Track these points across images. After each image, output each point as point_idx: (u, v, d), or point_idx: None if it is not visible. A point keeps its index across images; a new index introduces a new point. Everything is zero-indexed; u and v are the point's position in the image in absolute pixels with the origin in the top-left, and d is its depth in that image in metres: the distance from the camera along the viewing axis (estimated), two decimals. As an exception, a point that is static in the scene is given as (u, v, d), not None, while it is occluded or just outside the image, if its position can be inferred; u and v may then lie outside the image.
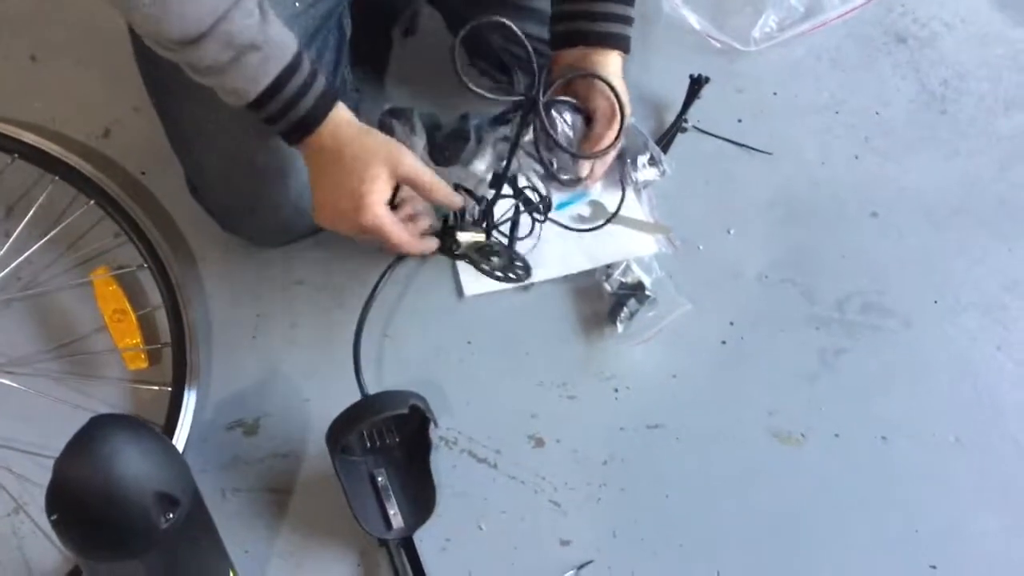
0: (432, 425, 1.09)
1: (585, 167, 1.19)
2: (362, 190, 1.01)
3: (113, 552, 0.81)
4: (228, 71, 0.96)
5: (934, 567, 1.11)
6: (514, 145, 1.14)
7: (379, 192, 1.02)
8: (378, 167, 1.02)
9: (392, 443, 1.13)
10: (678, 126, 1.38)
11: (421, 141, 1.21)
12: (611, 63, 1.16)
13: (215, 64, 0.95)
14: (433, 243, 1.10)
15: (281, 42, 0.98)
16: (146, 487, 0.79)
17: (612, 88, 1.14)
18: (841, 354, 1.23)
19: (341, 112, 1.03)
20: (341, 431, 1.06)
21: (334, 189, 1.03)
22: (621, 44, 1.16)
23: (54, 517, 0.79)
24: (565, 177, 1.19)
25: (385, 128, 1.22)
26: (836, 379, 1.21)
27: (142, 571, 0.83)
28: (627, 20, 1.16)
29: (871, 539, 1.13)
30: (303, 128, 1.02)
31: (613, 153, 1.19)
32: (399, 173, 1.03)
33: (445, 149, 1.22)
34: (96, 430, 0.79)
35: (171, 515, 0.80)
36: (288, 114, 1.00)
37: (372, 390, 1.15)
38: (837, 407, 1.20)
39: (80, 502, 0.78)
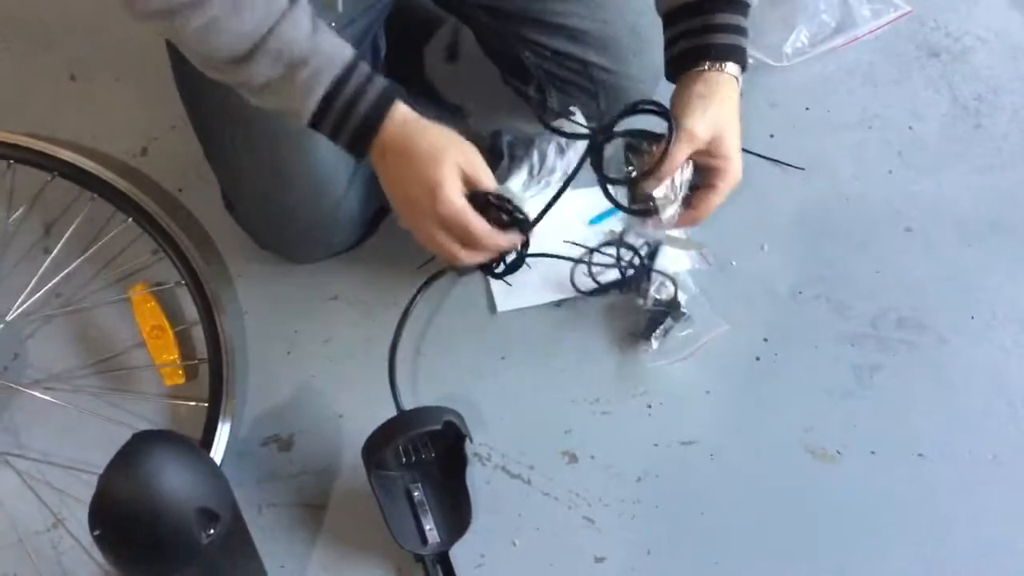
0: (467, 441, 1.09)
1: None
2: (438, 179, 0.98)
3: (155, 567, 0.81)
4: (283, 88, 0.95)
5: (972, 585, 1.10)
6: (569, 179, 1.12)
7: (455, 182, 0.99)
8: (451, 160, 0.99)
9: (428, 458, 1.13)
10: (710, 142, 1.37)
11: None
12: (724, 86, 1.04)
13: (269, 82, 0.95)
14: (516, 236, 1.06)
15: (331, 53, 0.96)
16: (188, 503, 0.79)
17: (669, 124, 1.03)
18: (876, 370, 1.22)
19: (402, 110, 1.00)
20: (377, 446, 1.07)
21: (409, 186, 1.00)
22: (738, 56, 1.05)
23: (97, 532, 0.80)
24: (635, 207, 1.11)
25: None
26: (872, 396, 1.21)
27: (183, 586, 0.84)
28: (741, 31, 1.06)
29: (907, 556, 1.12)
30: (365, 133, 0.99)
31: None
32: (468, 170, 1.00)
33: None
34: (139, 446, 0.80)
35: (212, 530, 0.81)
36: (347, 122, 0.98)
37: (407, 406, 1.16)
38: (873, 424, 1.19)
39: (123, 518, 0.79)
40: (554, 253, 1.22)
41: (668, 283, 1.23)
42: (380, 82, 0.99)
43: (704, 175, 1.07)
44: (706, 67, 1.03)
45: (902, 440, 1.18)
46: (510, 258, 1.11)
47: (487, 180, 1.02)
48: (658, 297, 1.22)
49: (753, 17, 1.48)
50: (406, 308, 1.19)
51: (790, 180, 1.37)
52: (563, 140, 1.25)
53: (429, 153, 0.99)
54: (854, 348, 1.24)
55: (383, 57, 1.28)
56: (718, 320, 1.22)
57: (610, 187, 1.10)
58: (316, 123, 0.98)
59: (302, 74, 0.94)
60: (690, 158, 1.05)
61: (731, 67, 1.04)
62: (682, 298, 1.22)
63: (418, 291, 1.20)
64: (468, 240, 1.02)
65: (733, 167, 1.05)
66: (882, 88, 1.46)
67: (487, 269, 1.12)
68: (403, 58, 1.38)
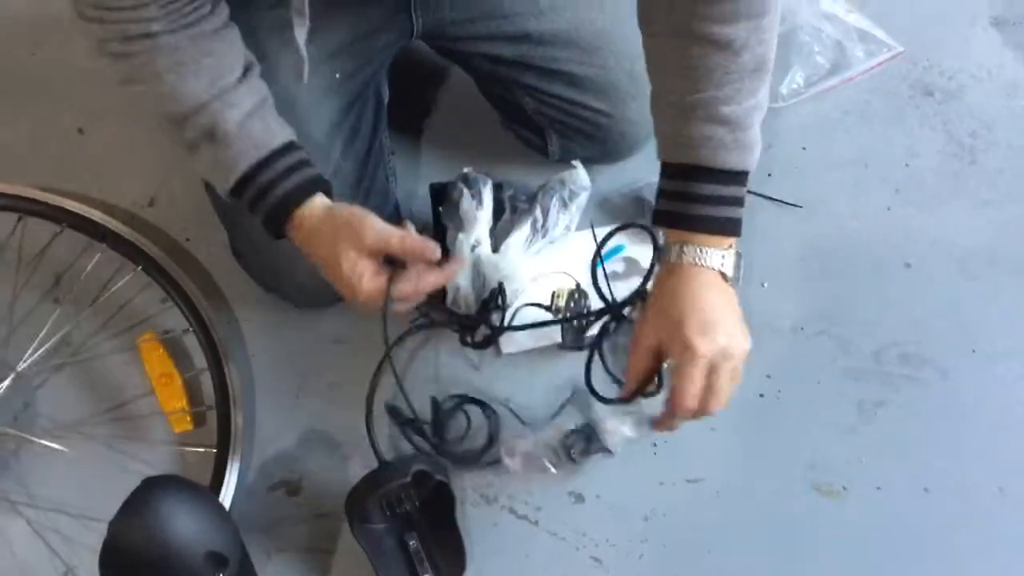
0: (448, 483, 1.10)
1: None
2: (346, 275, 1.00)
3: (165, 613, 0.82)
4: (205, 159, 1.00)
5: (982, 620, 1.10)
6: (592, 352, 1.14)
7: (360, 271, 1.00)
8: (347, 248, 1.01)
9: (412, 507, 1.13)
10: (709, 182, 1.39)
11: (485, 215, 1.24)
12: (689, 281, 0.97)
13: (196, 149, 0.99)
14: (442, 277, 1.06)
15: (257, 140, 1.00)
16: (198, 547, 0.80)
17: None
18: (880, 406, 1.23)
19: (316, 201, 1.02)
20: (357, 504, 1.09)
21: (332, 278, 1.03)
22: (726, 229, 0.98)
23: (108, 579, 0.81)
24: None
25: (455, 194, 1.26)
26: (876, 431, 1.21)
27: (193, 631, 0.85)
28: (736, 201, 0.99)
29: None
30: (278, 217, 1.02)
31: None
32: (367, 247, 1.00)
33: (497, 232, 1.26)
34: (148, 492, 0.81)
35: (221, 574, 0.82)
36: (259, 204, 1.01)
37: (411, 451, 1.17)
38: (878, 459, 1.19)
39: (133, 564, 0.80)
40: (528, 323, 1.22)
41: None
42: (302, 174, 1.02)
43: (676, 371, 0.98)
44: (678, 255, 0.97)
45: (908, 475, 1.18)
46: (480, 336, 1.20)
47: (394, 240, 1.01)
48: None
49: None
50: (380, 363, 1.19)
51: (789, 218, 1.38)
52: (566, 194, 1.28)
53: (330, 244, 1.01)
54: (857, 383, 1.24)
55: (386, 105, 1.31)
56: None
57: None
58: (234, 197, 1.02)
59: (224, 154, 0.99)
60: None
61: (709, 255, 0.97)
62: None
63: (390, 347, 1.18)
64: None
65: (691, 356, 0.94)
66: (878, 126, 1.48)
67: (463, 341, 1.20)
68: (405, 103, 1.40)
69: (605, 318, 1.19)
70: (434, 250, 1.02)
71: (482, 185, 1.27)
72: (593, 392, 1.11)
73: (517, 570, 1.13)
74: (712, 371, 0.95)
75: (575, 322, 1.22)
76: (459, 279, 1.21)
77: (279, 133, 1.02)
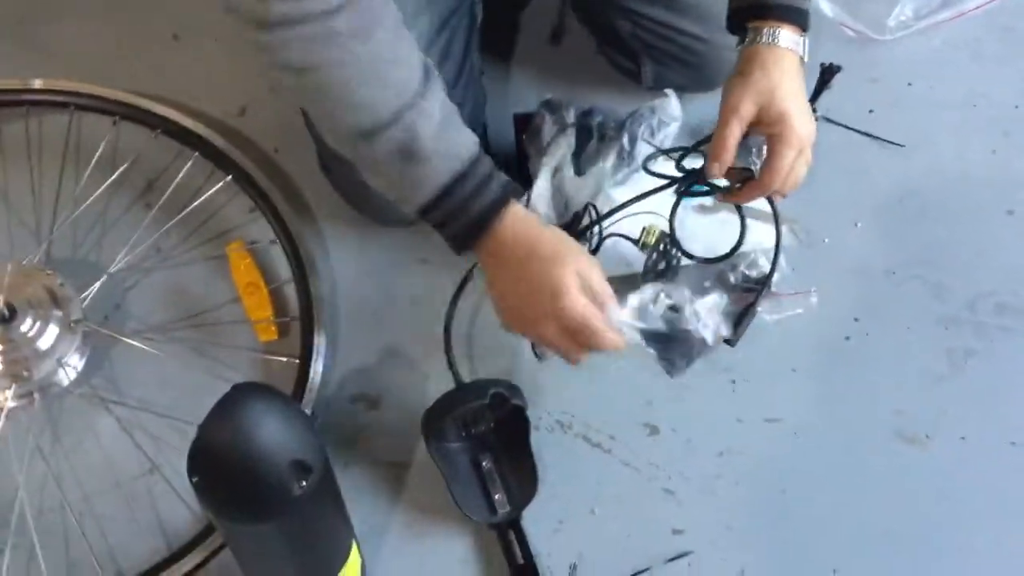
0: (525, 408, 1.10)
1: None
2: (564, 282, 0.95)
3: (249, 515, 0.84)
4: (395, 175, 0.94)
5: (1062, 578, 1.08)
6: (669, 241, 1.14)
7: (576, 288, 0.96)
8: (573, 265, 0.96)
9: (487, 428, 1.14)
10: (807, 116, 1.35)
11: (568, 140, 1.22)
12: (771, 57, 1.02)
13: (383, 166, 0.93)
14: (622, 340, 1.01)
15: (455, 152, 0.94)
16: (283, 454, 0.82)
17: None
18: (971, 355, 1.19)
19: (518, 210, 0.97)
20: (433, 422, 1.09)
21: (529, 286, 0.96)
22: (796, 18, 1.04)
23: (195, 479, 0.83)
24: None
25: (537, 119, 1.23)
26: (965, 381, 1.18)
27: (275, 534, 0.87)
28: None
29: (995, 546, 1.10)
30: (475, 232, 0.96)
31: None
32: (587, 279, 0.97)
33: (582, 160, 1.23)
34: (238, 397, 0.82)
35: (304, 482, 0.83)
36: (457, 219, 0.95)
37: (493, 374, 1.17)
38: (965, 409, 1.16)
39: (222, 466, 0.81)
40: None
41: (761, 259, 1.20)
42: (499, 180, 0.97)
43: (769, 146, 1.05)
44: (756, 39, 1.03)
45: (994, 427, 1.15)
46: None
47: (606, 297, 0.99)
48: (748, 273, 1.20)
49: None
50: (460, 284, 1.18)
51: (889, 157, 1.34)
52: (655, 123, 1.24)
53: (553, 256, 0.96)
54: (948, 331, 1.21)
55: (480, 25, 1.28)
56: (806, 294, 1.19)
57: None
58: (424, 214, 0.97)
59: (420, 169, 0.92)
60: (748, 134, 1.05)
61: (784, 36, 1.02)
62: (774, 278, 1.19)
63: (470, 269, 1.19)
64: (589, 342, 0.98)
65: (788, 128, 1.01)
66: (989, 65, 1.41)
67: None
68: (498, 23, 1.38)
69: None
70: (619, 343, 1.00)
71: (565, 110, 1.24)
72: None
73: (588, 497, 1.14)
74: (800, 154, 1.03)
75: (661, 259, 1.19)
76: (539, 205, 1.19)
77: (469, 136, 0.96)
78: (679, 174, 1.13)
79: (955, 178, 1.32)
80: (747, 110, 1.02)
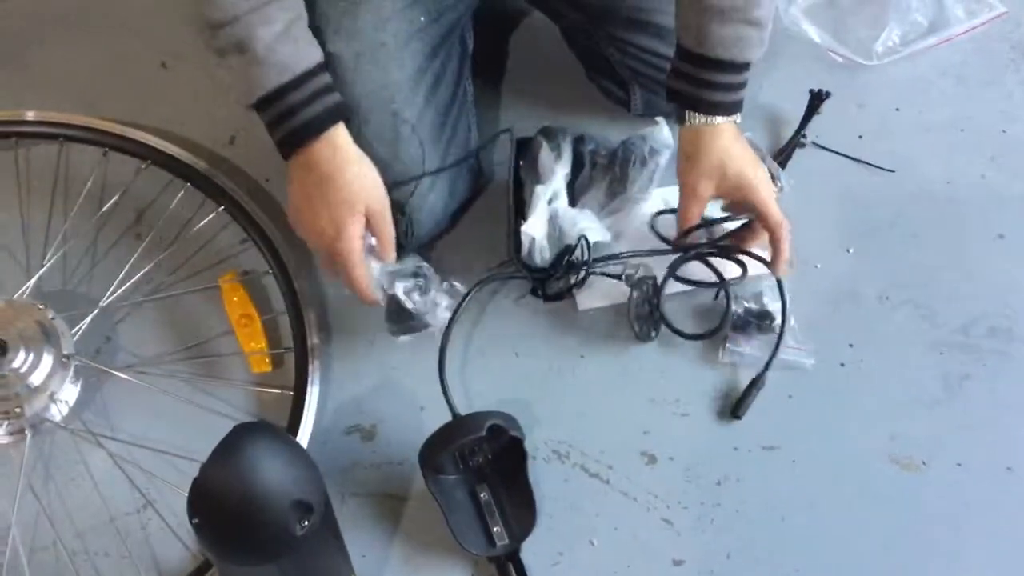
0: (522, 440, 1.10)
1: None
2: (347, 218, 1.05)
3: (250, 556, 0.83)
4: (234, 70, 1.01)
5: (1060, 603, 1.08)
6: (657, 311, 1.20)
7: (359, 226, 1.06)
8: (362, 205, 1.06)
9: (485, 460, 1.14)
10: (797, 141, 1.36)
11: (563, 168, 1.22)
12: (711, 135, 1.12)
13: (225, 57, 1.01)
14: (381, 299, 1.13)
15: (287, 62, 1.01)
16: (285, 496, 0.81)
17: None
18: (965, 379, 1.20)
19: (341, 134, 1.06)
20: (431, 455, 1.09)
21: (320, 209, 1.06)
22: (734, 109, 1.13)
23: (196, 521, 0.82)
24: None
25: (535, 146, 1.24)
26: (960, 405, 1.19)
27: (276, 574, 0.86)
28: (737, 87, 1.12)
29: (992, 572, 1.10)
30: (295, 140, 1.05)
31: None
32: (373, 221, 1.08)
33: (576, 188, 1.25)
34: (240, 439, 0.81)
35: (306, 522, 0.83)
36: (282, 124, 1.04)
37: (486, 405, 1.17)
38: (960, 435, 1.17)
39: (223, 508, 0.81)
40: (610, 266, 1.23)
41: (765, 297, 1.21)
42: (327, 101, 1.05)
43: (747, 207, 1.16)
44: (693, 121, 1.12)
45: (990, 452, 1.16)
46: (552, 289, 1.23)
47: (385, 241, 1.10)
48: (750, 307, 1.20)
49: (842, 15, 1.47)
50: (453, 312, 1.18)
51: (878, 182, 1.34)
52: (646, 151, 1.25)
53: (347, 188, 1.06)
54: (943, 356, 1.22)
55: (471, 52, 1.29)
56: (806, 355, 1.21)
57: None
58: (257, 111, 1.05)
59: (253, 70, 1.01)
60: (729, 210, 1.19)
61: (719, 116, 1.11)
62: (775, 312, 1.20)
63: (464, 297, 1.19)
64: (345, 282, 1.10)
65: (750, 186, 1.12)
66: (975, 89, 1.43)
67: (535, 293, 1.23)
68: (487, 49, 1.38)
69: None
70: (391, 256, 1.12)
71: (562, 138, 1.24)
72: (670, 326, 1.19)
73: (587, 528, 1.13)
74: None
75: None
76: (535, 232, 1.19)
77: (307, 53, 1.04)
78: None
79: (944, 202, 1.33)
80: (704, 190, 1.13)
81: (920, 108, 1.41)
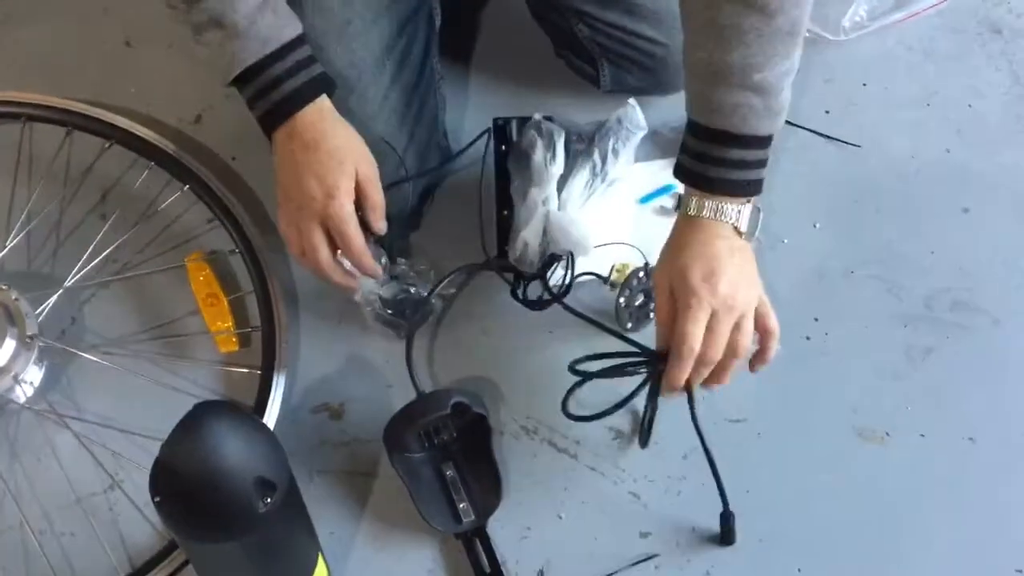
0: (486, 416, 1.11)
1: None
2: (337, 179, 1.03)
3: (213, 534, 0.83)
4: (213, 45, 1.00)
5: (1020, 572, 1.10)
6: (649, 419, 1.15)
7: (350, 188, 1.04)
8: (352, 166, 1.04)
9: (450, 438, 1.14)
10: (764, 117, 1.36)
11: (557, 170, 1.21)
12: (700, 232, 0.99)
13: (203, 33, 1.00)
14: (379, 272, 1.13)
15: (266, 35, 1.01)
16: (247, 473, 0.81)
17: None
18: (929, 353, 1.21)
19: (325, 104, 1.05)
20: (396, 434, 1.10)
21: (308, 177, 1.03)
22: (748, 191, 1.00)
23: (157, 499, 0.82)
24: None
25: (525, 142, 1.23)
26: (923, 378, 1.20)
27: (239, 552, 0.86)
28: (760, 164, 1.00)
29: (955, 541, 1.11)
30: (277, 113, 1.03)
31: None
32: (363, 183, 1.06)
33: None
34: (201, 416, 0.81)
35: (269, 499, 0.83)
36: (264, 98, 1.03)
37: (453, 383, 1.17)
38: (923, 406, 1.18)
39: (184, 486, 0.81)
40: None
41: None
42: (309, 73, 1.04)
43: None
44: (686, 208, 1.00)
45: (953, 424, 1.17)
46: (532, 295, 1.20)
47: (376, 199, 1.08)
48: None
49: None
50: (429, 292, 1.19)
51: (845, 157, 1.35)
52: (623, 134, 1.24)
53: (336, 151, 1.04)
54: (907, 329, 1.23)
55: (438, 28, 1.28)
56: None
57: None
58: (237, 86, 1.04)
59: (232, 44, 1.00)
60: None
61: (708, 207, 0.98)
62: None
63: (437, 284, 1.21)
64: (344, 248, 1.07)
65: (684, 294, 0.97)
66: (942, 65, 1.43)
67: (514, 295, 1.20)
68: (457, 25, 1.37)
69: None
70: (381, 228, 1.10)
71: (556, 137, 1.22)
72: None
73: (554, 503, 1.14)
74: (713, 318, 0.97)
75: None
76: (527, 234, 1.19)
77: (286, 25, 1.03)
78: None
79: (910, 177, 1.34)
80: (665, 288, 1.01)
81: (887, 83, 1.42)
